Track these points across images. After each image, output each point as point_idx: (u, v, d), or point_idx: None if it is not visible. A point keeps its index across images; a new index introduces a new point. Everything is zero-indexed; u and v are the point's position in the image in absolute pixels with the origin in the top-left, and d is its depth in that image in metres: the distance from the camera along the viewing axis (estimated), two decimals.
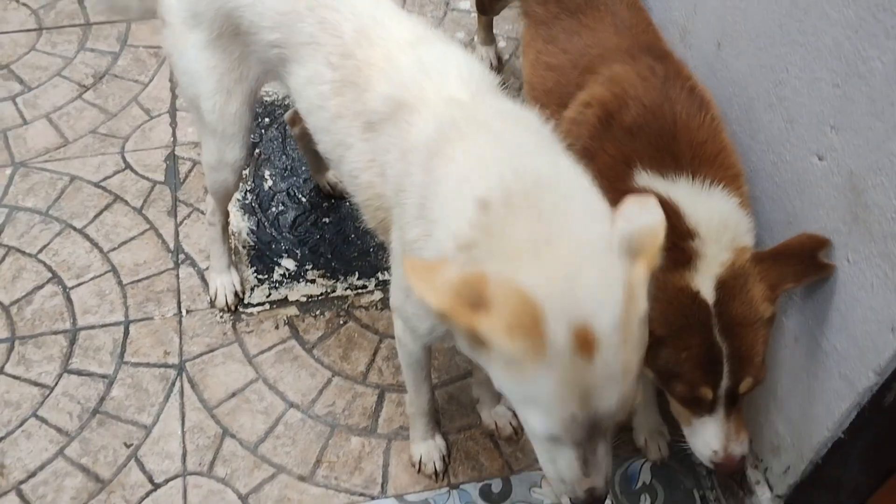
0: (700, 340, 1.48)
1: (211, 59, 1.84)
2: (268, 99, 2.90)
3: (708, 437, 1.57)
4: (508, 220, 1.21)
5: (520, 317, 1.12)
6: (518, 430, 2.15)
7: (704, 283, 1.50)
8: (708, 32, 1.91)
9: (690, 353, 1.48)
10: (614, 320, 1.13)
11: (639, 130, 1.67)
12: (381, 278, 2.47)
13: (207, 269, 2.44)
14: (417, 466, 2.10)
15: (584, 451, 1.25)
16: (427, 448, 2.09)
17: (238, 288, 2.37)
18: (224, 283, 2.35)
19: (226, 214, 2.32)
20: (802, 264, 1.52)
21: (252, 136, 2.23)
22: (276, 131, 2.81)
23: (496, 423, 2.16)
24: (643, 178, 1.61)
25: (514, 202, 1.22)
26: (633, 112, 1.69)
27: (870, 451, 1.57)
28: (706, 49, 1.92)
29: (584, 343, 1.12)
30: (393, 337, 2.22)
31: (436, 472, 2.09)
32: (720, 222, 1.54)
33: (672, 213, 1.51)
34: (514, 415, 2.07)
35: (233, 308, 2.35)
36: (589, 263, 1.16)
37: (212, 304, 2.35)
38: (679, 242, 1.51)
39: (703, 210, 1.55)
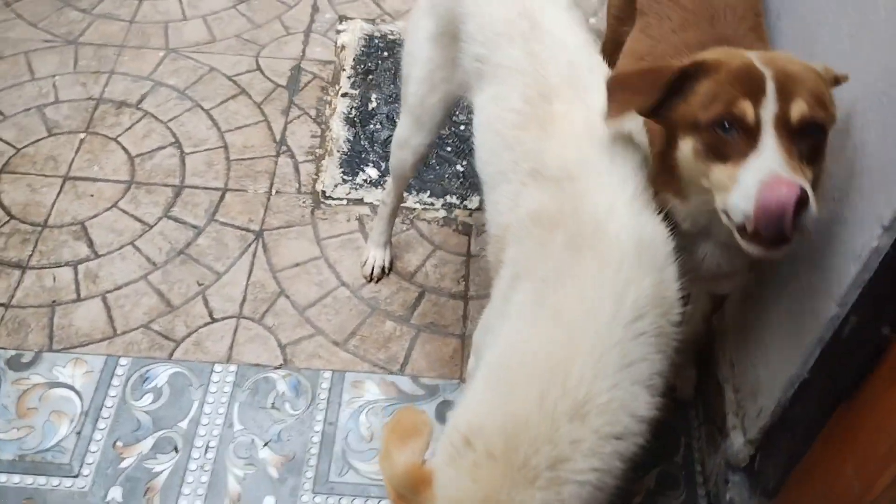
0: (736, 64, 1.39)
1: (431, 50, 1.92)
2: (391, 36, 3.22)
3: (754, 169, 1.29)
4: None
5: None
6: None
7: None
8: (774, 4, 2.05)
9: (722, 76, 1.38)
10: None
11: None
12: (447, 200, 2.72)
13: (304, 160, 2.77)
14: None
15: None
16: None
17: (387, 264, 2.51)
18: (377, 255, 2.49)
19: (399, 198, 2.41)
20: None
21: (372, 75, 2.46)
22: (390, 63, 3.12)
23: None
24: None
25: None
26: None
27: (825, 387, 1.68)
28: (770, 19, 2.05)
29: None
30: (443, 249, 2.51)
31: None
32: None
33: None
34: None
35: (377, 280, 2.50)
36: None
37: (361, 267, 2.51)
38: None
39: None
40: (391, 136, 2.79)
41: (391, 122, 2.93)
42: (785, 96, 1.33)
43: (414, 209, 2.69)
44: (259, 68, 3.08)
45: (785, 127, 1.32)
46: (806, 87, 1.36)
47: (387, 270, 2.52)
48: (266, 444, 2.16)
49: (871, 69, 1.48)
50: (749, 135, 1.33)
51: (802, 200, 1.24)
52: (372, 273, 2.50)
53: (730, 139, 1.35)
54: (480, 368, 1.43)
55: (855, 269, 1.51)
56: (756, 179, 1.27)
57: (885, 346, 1.50)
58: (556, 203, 1.48)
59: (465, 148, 2.86)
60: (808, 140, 1.35)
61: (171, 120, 2.89)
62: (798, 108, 1.33)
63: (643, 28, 2.02)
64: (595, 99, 1.55)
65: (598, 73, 1.64)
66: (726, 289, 1.85)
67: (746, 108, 1.33)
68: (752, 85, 1.35)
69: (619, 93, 1.48)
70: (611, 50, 2.31)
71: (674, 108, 1.46)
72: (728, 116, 1.35)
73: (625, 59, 2.04)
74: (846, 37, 1.61)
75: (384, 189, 2.55)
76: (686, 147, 1.44)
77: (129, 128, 2.85)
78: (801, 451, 1.82)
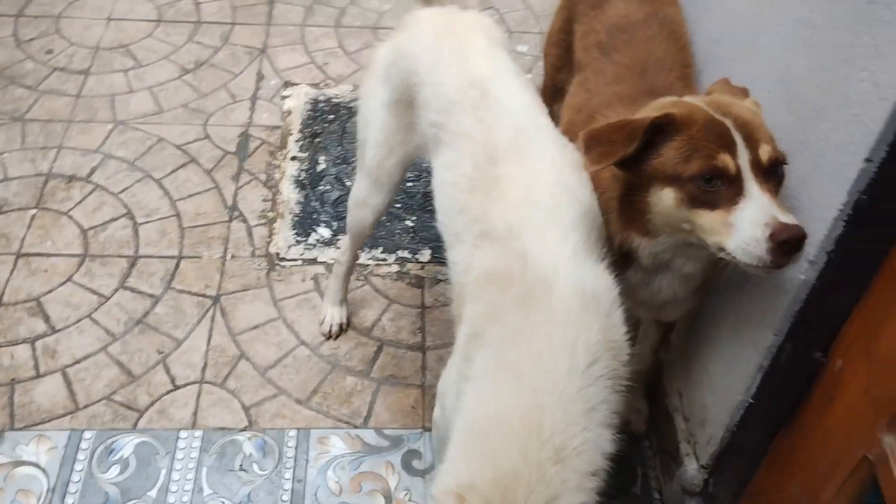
0: (701, 117, 1.52)
1: (386, 117, 2.01)
2: (336, 100, 3.32)
3: (749, 215, 1.44)
4: None
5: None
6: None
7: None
8: (698, 58, 2.22)
9: (693, 131, 1.51)
10: None
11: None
12: (399, 255, 2.81)
13: (257, 224, 2.84)
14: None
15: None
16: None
17: (344, 321, 2.57)
18: (334, 313, 2.56)
19: (355, 256, 2.48)
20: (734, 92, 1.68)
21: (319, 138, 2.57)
22: (336, 126, 3.22)
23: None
24: None
25: None
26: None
27: (768, 411, 1.80)
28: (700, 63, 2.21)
29: None
30: (398, 303, 2.59)
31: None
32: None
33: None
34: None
35: (335, 336, 2.57)
36: None
37: (319, 326, 2.58)
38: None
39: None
40: (341, 196, 2.91)
41: (340, 182, 3.02)
42: (751, 143, 1.48)
43: (367, 265, 2.77)
44: (207, 136, 3.15)
45: (759, 170, 1.47)
46: (762, 130, 1.52)
47: (344, 327, 2.59)
48: None
49: (790, 119, 1.63)
50: (732, 183, 1.47)
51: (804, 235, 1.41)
52: (330, 330, 2.56)
53: (715, 189, 1.48)
54: (453, 435, 1.50)
55: (787, 300, 1.64)
56: (759, 223, 1.42)
57: (818, 370, 1.62)
58: (505, 263, 1.56)
59: (413, 204, 2.96)
60: (775, 177, 1.50)
61: (122, 191, 2.93)
62: (765, 152, 1.48)
63: (581, 82, 2.17)
64: (539, 159, 1.67)
65: (544, 133, 1.75)
66: (676, 314, 1.97)
67: (727, 160, 1.47)
68: (723, 138, 1.49)
69: (597, 146, 1.59)
70: (549, 96, 2.46)
71: (647, 161, 1.57)
72: (712, 171, 1.47)
73: (566, 112, 2.18)
74: (764, 90, 1.76)
75: (338, 248, 2.63)
76: (667, 197, 1.54)
77: (80, 201, 2.89)
78: (750, 474, 1.93)
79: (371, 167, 2.12)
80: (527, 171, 1.65)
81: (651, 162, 1.58)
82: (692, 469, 2.12)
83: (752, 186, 1.46)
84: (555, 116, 2.36)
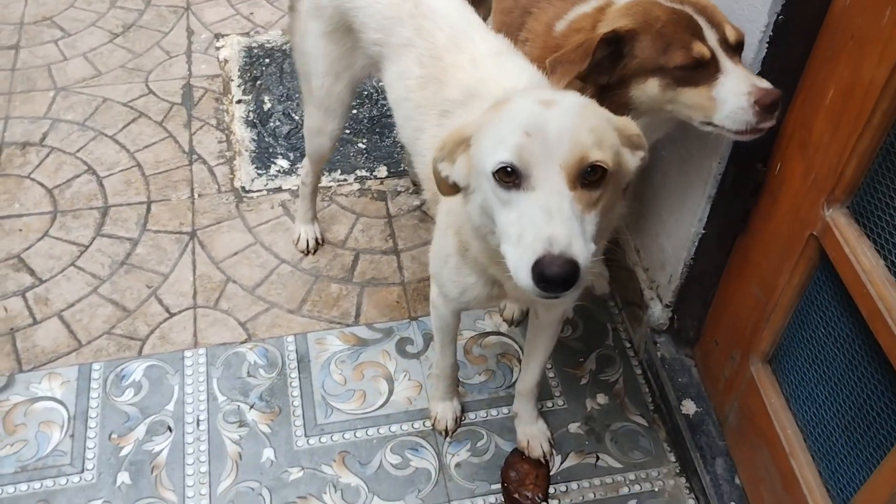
0: (662, 12, 1.68)
1: (326, 46, 2.10)
2: (268, 45, 3.45)
3: (733, 88, 1.61)
4: None
5: (494, 104, 1.45)
6: (549, 452, 2.29)
7: None
8: None
9: (660, 26, 1.67)
10: (576, 99, 1.40)
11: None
12: (358, 174, 2.99)
13: (217, 164, 2.96)
14: (433, 422, 2.31)
15: (543, 196, 1.28)
16: (443, 407, 2.30)
17: (318, 237, 2.73)
18: (307, 230, 2.72)
19: (318, 177, 2.62)
20: None
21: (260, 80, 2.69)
22: (274, 68, 3.36)
23: (528, 442, 2.27)
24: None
25: None
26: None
27: (721, 232, 2.06)
28: None
29: (546, 101, 1.36)
30: (365, 216, 2.77)
31: (446, 430, 2.30)
32: None
33: None
34: (548, 438, 2.29)
35: (313, 251, 2.72)
36: None
37: (295, 245, 2.73)
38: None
39: None
40: (291, 129, 3.06)
41: (288, 117, 3.16)
42: (716, 25, 1.66)
43: (329, 187, 2.94)
44: (151, 91, 3.24)
45: (728, 47, 1.66)
46: (719, 12, 1.70)
47: (320, 241, 2.75)
48: (252, 407, 2.35)
49: None
50: (709, 62, 1.65)
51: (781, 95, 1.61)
52: (308, 246, 2.72)
53: (694, 72, 1.66)
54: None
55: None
56: (742, 94, 1.61)
57: (762, 178, 1.89)
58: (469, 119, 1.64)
59: (361, 128, 3.14)
60: (739, 52, 1.70)
61: (78, 150, 3.01)
62: (731, 32, 1.67)
63: None
64: (477, 43, 1.82)
65: (476, 27, 1.89)
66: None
67: (701, 47, 1.64)
68: (690, 26, 1.66)
69: (559, 66, 1.77)
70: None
71: (623, 67, 1.75)
72: (691, 60, 1.65)
73: (497, 16, 2.37)
74: None
75: (299, 175, 2.79)
76: (651, 85, 1.72)
77: (39, 164, 2.96)
78: (711, 295, 2.21)
79: (320, 97, 2.24)
80: (468, 53, 1.79)
81: (627, 64, 1.75)
82: (657, 310, 2.38)
83: (726, 62, 1.64)
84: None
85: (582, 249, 1.25)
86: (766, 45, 1.73)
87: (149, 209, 2.84)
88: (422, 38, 1.86)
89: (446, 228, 1.75)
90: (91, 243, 2.73)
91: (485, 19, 2.62)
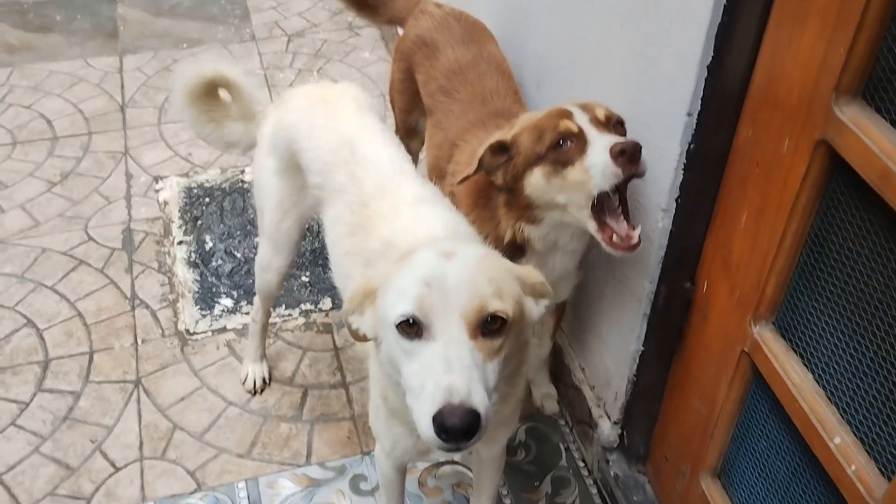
0: (542, 112, 1.91)
1: (277, 183, 2.19)
2: (207, 184, 3.50)
3: (596, 150, 1.76)
4: None
5: (399, 257, 1.51)
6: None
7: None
8: (532, 81, 2.59)
9: (537, 121, 1.89)
10: (477, 251, 1.48)
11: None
12: (303, 308, 3.00)
13: (160, 308, 2.95)
14: None
15: (443, 345, 1.31)
16: None
17: (266, 375, 2.73)
18: (255, 370, 2.72)
19: (267, 314, 2.64)
20: None
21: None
22: (215, 207, 3.40)
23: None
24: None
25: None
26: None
27: (659, 349, 2.11)
28: (532, 91, 2.58)
29: (447, 253, 1.42)
30: (312, 350, 2.78)
31: None
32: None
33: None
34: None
35: (261, 391, 2.72)
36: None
37: (243, 384, 2.73)
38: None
39: None
40: (234, 267, 3.08)
41: (230, 255, 3.19)
42: (587, 109, 1.85)
43: (275, 322, 2.94)
44: (91, 238, 3.24)
45: (599, 123, 1.83)
46: (597, 103, 1.89)
47: (267, 381, 2.74)
48: None
49: (621, 101, 1.99)
50: (580, 138, 1.81)
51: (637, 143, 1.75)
52: (255, 386, 2.70)
53: (567, 149, 1.82)
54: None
55: (653, 248, 1.97)
56: (603, 151, 1.74)
57: (691, 296, 1.95)
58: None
59: (304, 261, 3.17)
60: (614, 129, 1.86)
61: (17, 304, 2.98)
62: (601, 111, 1.85)
63: (435, 124, 2.48)
64: (401, 191, 1.87)
65: (405, 175, 1.93)
66: (567, 291, 2.26)
67: (568, 123, 1.82)
68: (562, 113, 1.85)
69: (457, 170, 2.02)
70: (404, 134, 2.77)
71: (510, 165, 1.93)
72: (559, 136, 1.82)
73: (431, 150, 2.49)
74: (594, 86, 2.13)
75: (245, 313, 2.80)
76: (536, 175, 1.88)
77: None
78: (657, 411, 2.24)
79: (270, 231, 2.31)
80: (391, 201, 1.85)
81: (515, 163, 1.93)
82: (606, 428, 2.40)
83: (593, 134, 1.80)
84: (411, 151, 2.68)
85: (482, 399, 1.27)
86: (682, 171, 1.82)
87: (91, 359, 2.81)
88: (354, 185, 1.91)
89: (374, 379, 1.76)
90: (31, 400, 2.68)
91: (418, 151, 2.74)
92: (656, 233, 1.95)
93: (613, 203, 1.84)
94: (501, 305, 1.35)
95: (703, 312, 1.92)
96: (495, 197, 2.05)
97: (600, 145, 1.76)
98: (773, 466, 1.75)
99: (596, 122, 1.83)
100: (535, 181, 1.89)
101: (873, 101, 1.33)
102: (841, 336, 1.49)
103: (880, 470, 1.41)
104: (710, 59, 1.65)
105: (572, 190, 1.83)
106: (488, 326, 1.35)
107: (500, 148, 1.95)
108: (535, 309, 1.50)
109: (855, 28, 1.29)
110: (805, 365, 1.59)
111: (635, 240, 1.82)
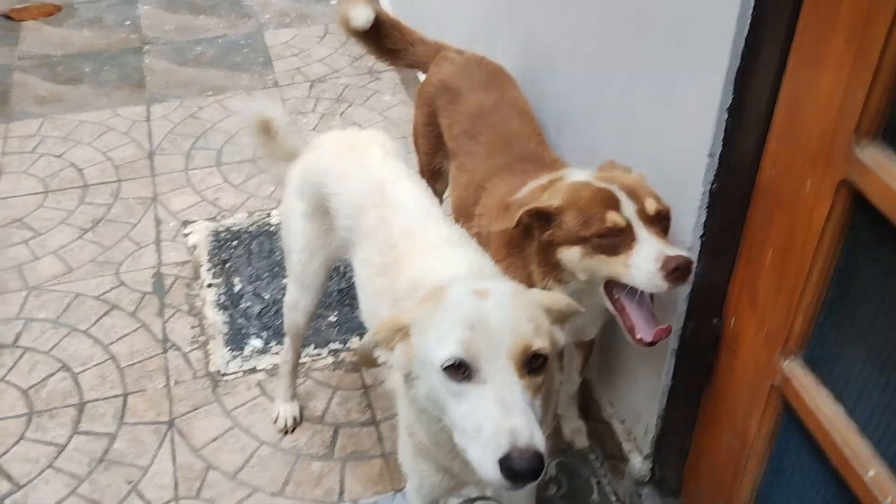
0: (587, 189, 1.88)
1: (305, 226, 2.26)
2: (235, 228, 3.58)
3: (644, 255, 1.78)
4: None
5: (429, 293, 1.57)
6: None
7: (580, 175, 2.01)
8: (552, 124, 2.66)
9: (585, 200, 1.87)
10: (506, 288, 1.53)
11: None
12: (331, 347, 3.05)
13: (191, 350, 3.01)
14: None
15: (496, 389, 1.35)
16: None
17: (297, 415, 2.76)
18: (286, 410, 2.76)
19: (297, 353, 2.69)
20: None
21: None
22: (242, 250, 3.47)
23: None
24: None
25: None
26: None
27: (689, 385, 2.14)
28: (552, 134, 2.65)
29: (481, 292, 1.47)
30: (342, 389, 2.82)
31: None
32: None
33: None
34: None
35: (292, 430, 2.75)
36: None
37: (274, 424, 2.76)
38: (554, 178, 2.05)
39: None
40: (263, 308, 3.14)
41: (259, 297, 3.25)
42: (636, 199, 1.85)
43: (304, 362, 2.99)
44: (123, 283, 3.32)
45: (647, 218, 1.84)
46: (645, 188, 1.89)
47: (298, 420, 2.78)
48: None
49: (641, 145, 2.05)
50: (626, 232, 1.83)
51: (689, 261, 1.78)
52: (286, 425, 2.75)
53: (612, 240, 1.84)
54: None
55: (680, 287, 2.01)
56: (651, 260, 1.77)
57: (719, 332, 1.99)
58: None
59: (331, 301, 3.22)
60: (661, 223, 1.88)
61: (52, 349, 3.04)
62: (650, 204, 1.85)
63: (459, 166, 2.54)
64: (428, 234, 1.93)
65: (432, 217, 1.99)
66: (594, 331, 2.30)
67: (615, 217, 1.82)
68: (609, 200, 1.85)
69: (498, 217, 2.02)
70: (429, 177, 2.79)
71: (549, 231, 1.94)
72: (605, 229, 1.83)
73: (456, 192, 2.54)
74: (616, 129, 2.20)
75: (275, 353, 2.86)
76: (574, 253, 1.90)
77: (13, 366, 2.98)
78: (688, 445, 2.26)
79: (297, 272, 2.37)
80: (419, 243, 1.90)
81: (555, 233, 1.94)
82: (637, 462, 2.42)
83: (641, 231, 1.82)
84: (436, 192, 2.74)
85: (542, 439, 1.32)
86: (706, 210, 1.87)
87: (125, 401, 2.86)
88: (383, 227, 1.97)
89: (402, 416, 1.80)
90: (68, 442, 2.73)
91: (443, 192, 2.80)
92: None
93: (645, 297, 1.90)
94: (543, 343, 1.41)
95: (732, 348, 1.95)
96: (528, 247, 2.10)
97: (650, 250, 1.80)
98: (807, 499, 1.77)
99: (644, 216, 1.84)
100: (572, 257, 1.92)
101: (893, 142, 1.38)
102: (872, 369, 1.52)
103: None
104: (731, 101, 1.71)
105: (607, 274, 1.88)
106: (531, 364, 1.40)
107: (541, 215, 1.95)
108: (561, 337, 1.55)
109: (872, 73, 1.35)
110: (836, 398, 1.62)
111: (649, 339, 1.89)
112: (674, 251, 1.78)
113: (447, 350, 1.38)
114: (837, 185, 1.48)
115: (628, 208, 1.84)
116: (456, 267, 1.81)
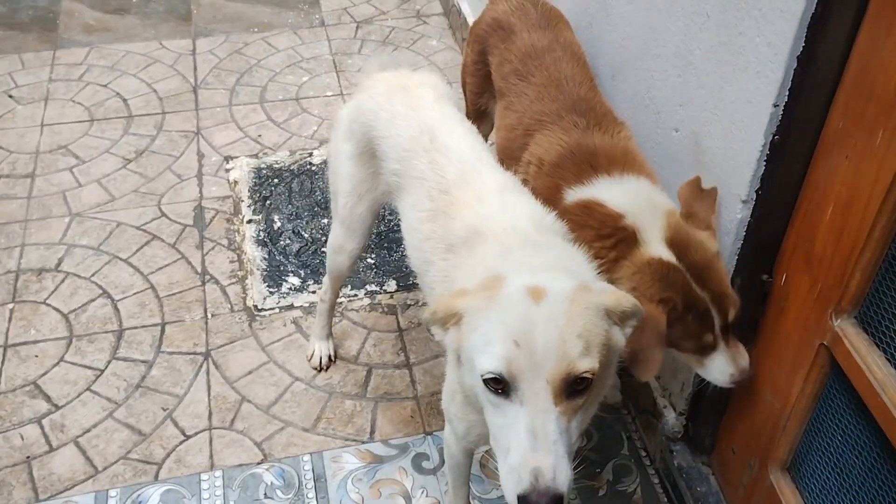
0: (686, 302, 1.81)
1: (352, 168, 2.22)
2: (276, 165, 3.57)
3: (721, 367, 1.88)
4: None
5: (486, 281, 1.49)
6: None
7: (658, 248, 1.86)
8: (607, 71, 2.59)
9: (686, 318, 1.83)
10: (564, 289, 1.42)
11: (563, 164, 2.16)
12: (368, 289, 3.04)
13: (229, 284, 3.02)
14: None
15: (529, 415, 1.33)
16: None
17: (332, 353, 2.78)
18: (322, 347, 2.77)
19: (336, 294, 2.67)
20: (702, 199, 1.97)
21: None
22: (283, 188, 3.46)
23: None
24: (568, 193, 2.08)
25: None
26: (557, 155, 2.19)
27: None
28: (606, 81, 2.59)
29: (536, 292, 1.40)
30: (377, 330, 2.81)
31: None
32: (640, 197, 1.95)
33: (596, 205, 1.97)
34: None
35: (326, 368, 2.77)
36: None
37: (309, 361, 2.78)
38: (616, 225, 1.91)
39: (622, 193, 1.97)
40: (301, 247, 3.13)
41: (298, 235, 3.24)
42: (722, 311, 1.84)
43: (341, 303, 2.99)
44: (164, 214, 3.33)
45: (727, 328, 1.86)
46: (730, 297, 1.85)
47: (333, 359, 2.79)
48: None
49: (701, 93, 1.99)
50: (709, 345, 1.88)
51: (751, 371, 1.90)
52: (321, 363, 2.75)
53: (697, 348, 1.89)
54: None
55: (730, 240, 1.97)
56: (726, 373, 1.89)
57: (768, 289, 1.95)
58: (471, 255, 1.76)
59: (370, 244, 3.21)
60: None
61: (93, 275, 3.07)
62: (732, 315, 1.86)
63: (507, 106, 2.49)
64: (483, 180, 1.89)
65: (485, 163, 1.95)
66: None
67: (709, 338, 1.86)
68: (705, 319, 1.84)
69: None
70: (474, 118, 2.75)
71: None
72: (701, 349, 1.88)
73: (500, 132, 2.50)
74: (674, 76, 2.13)
75: (312, 292, 2.86)
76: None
77: (55, 290, 3.01)
78: (725, 403, 2.23)
79: (343, 215, 2.33)
80: (475, 189, 1.86)
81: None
82: (672, 418, 2.40)
83: (721, 343, 1.87)
84: (481, 134, 2.68)
85: (566, 477, 1.32)
86: (764, 163, 1.82)
87: (163, 331, 2.88)
88: (434, 172, 1.93)
89: (451, 366, 1.77)
90: (106, 367, 2.76)
91: (487, 134, 2.75)
92: (734, 224, 1.95)
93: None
94: (589, 365, 1.35)
95: (781, 305, 1.91)
96: None
97: (725, 364, 1.88)
98: (848, 461, 1.74)
99: (725, 328, 1.86)
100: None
101: None
102: None
103: None
104: (801, 49, 1.64)
105: (688, 361, 1.95)
106: (574, 387, 1.36)
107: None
108: (621, 337, 1.49)
109: None
110: (889, 360, 1.57)
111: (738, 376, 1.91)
112: (742, 361, 1.87)
113: (489, 363, 1.36)
114: None
115: (717, 323, 1.85)
116: (516, 215, 1.78)
